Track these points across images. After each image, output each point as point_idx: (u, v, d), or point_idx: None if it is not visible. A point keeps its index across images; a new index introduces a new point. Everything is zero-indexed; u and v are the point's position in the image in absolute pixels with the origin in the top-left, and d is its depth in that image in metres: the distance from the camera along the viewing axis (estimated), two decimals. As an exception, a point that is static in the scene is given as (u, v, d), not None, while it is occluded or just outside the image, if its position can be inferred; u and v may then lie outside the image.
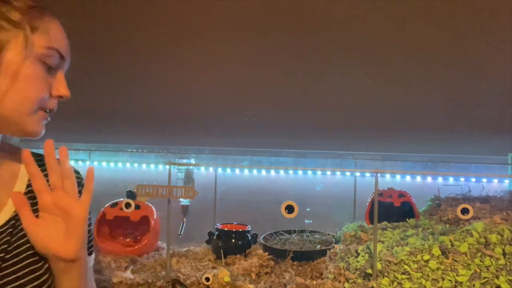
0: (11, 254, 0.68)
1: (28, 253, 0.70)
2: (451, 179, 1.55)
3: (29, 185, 0.74)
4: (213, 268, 1.28)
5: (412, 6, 1.55)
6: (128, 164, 1.77)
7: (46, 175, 0.73)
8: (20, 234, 0.70)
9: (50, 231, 0.70)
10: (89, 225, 0.82)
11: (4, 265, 0.66)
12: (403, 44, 1.59)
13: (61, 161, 0.72)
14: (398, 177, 1.59)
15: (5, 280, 0.66)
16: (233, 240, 1.38)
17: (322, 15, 1.62)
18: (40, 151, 0.76)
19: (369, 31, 1.60)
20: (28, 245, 0.70)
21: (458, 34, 1.55)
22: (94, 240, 1.39)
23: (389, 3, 1.56)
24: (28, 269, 0.68)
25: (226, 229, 1.42)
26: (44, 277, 0.70)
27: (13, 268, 0.67)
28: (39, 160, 0.76)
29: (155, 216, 1.44)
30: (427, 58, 1.58)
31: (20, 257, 0.69)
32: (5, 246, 0.68)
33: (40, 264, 0.71)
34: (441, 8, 1.53)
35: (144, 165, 1.74)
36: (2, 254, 0.67)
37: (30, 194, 0.74)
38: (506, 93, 1.53)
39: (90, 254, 0.82)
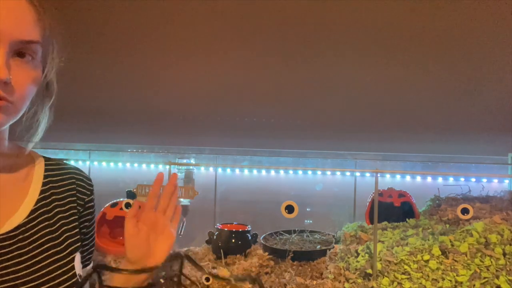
0: (28, 255, 0.67)
1: (47, 254, 0.69)
2: (451, 179, 1.55)
3: (43, 191, 0.73)
4: (213, 268, 1.28)
5: (412, 6, 1.55)
6: (128, 164, 1.77)
7: (57, 181, 0.76)
8: (31, 239, 0.68)
9: (146, 243, 0.80)
10: (92, 236, 0.82)
11: (24, 272, 0.66)
12: (403, 44, 1.59)
13: (174, 194, 0.87)
14: (398, 177, 1.59)
15: (28, 283, 0.65)
16: (233, 240, 1.38)
17: (321, 15, 1.62)
18: (49, 154, 0.78)
19: (369, 31, 1.59)
20: (46, 251, 0.69)
21: (457, 34, 1.55)
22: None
23: (388, 3, 1.56)
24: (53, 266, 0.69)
25: (226, 229, 1.42)
26: (71, 273, 0.71)
27: (32, 269, 0.66)
28: (54, 166, 0.77)
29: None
30: (427, 58, 1.58)
31: (38, 258, 0.68)
32: (19, 251, 0.67)
33: (66, 261, 0.71)
34: (441, 8, 1.53)
35: (144, 165, 1.74)
36: (17, 259, 0.66)
37: (43, 202, 0.72)
38: (506, 93, 1.53)
39: (88, 265, 0.82)
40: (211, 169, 1.69)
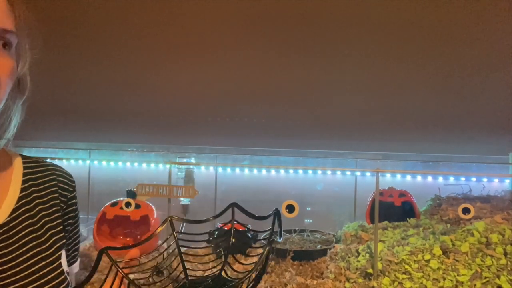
0: (12, 255, 0.67)
1: (31, 252, 0.68)
2: (451, 179, 1.55)
3: (23, 189, 0.72)
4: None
5: (413, 7, 1.55)
6: (128, 163, 1.77)
7: (37, 178, 0.73)
8: (15, 238, 0.67)
9: None
10: (76, 233, 0.80)
11: (11, 271, 0.65)
12: (404, 44, 1.59)
13: None
14: (398, 176, 1.59)
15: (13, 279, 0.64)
16: (234, 240, 1.37)
17: (321, 15, 1.62)
18: (32, 153, 0.75)
19: (369, 31, 1.59)
20: (30, 249, 0.68)
21: (458, 35, 1.54)
22: (94, 239, 1.40)
23: (388, 5, 1.56)
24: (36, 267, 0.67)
25: (226, 228, 1.41)
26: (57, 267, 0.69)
27: (18, 269, 0.66)
28: (33, 163, 0.75)
29: (155, 216, 1.44)
30: (428, 58, 1.58)
31: (24, 257, 0.67)
32: (3, 251, 0.65)
33: (49, 253, 0.69)
34: (441, 9, 1.53)
35: (144, 164, 1.74)
36: (2, 259, 0.64)
37: (25, 200, 0.71)
38: (506, 93, 1.53)
39: (75, 262, 0.80)
40: (211, 168, 1.69)
